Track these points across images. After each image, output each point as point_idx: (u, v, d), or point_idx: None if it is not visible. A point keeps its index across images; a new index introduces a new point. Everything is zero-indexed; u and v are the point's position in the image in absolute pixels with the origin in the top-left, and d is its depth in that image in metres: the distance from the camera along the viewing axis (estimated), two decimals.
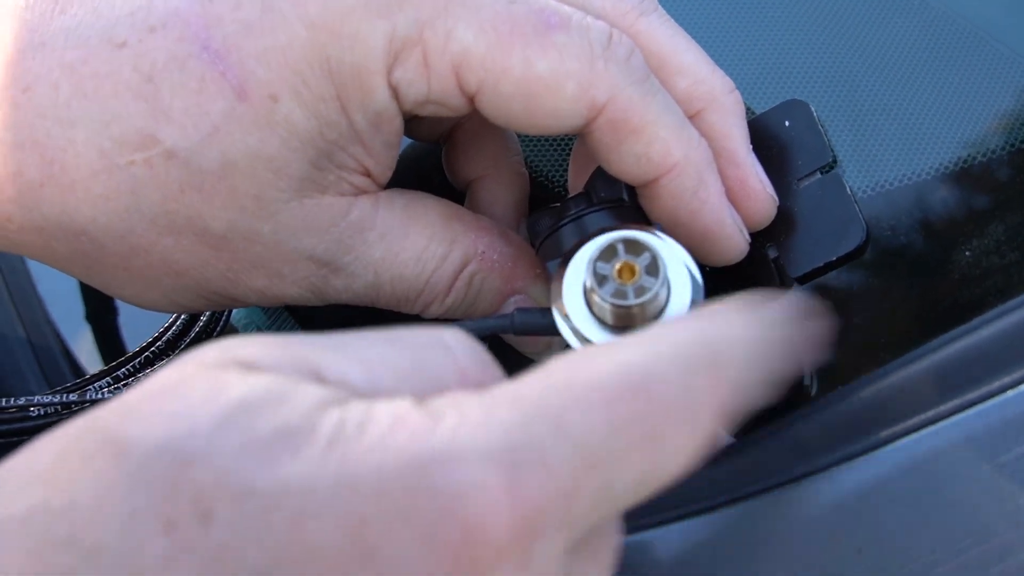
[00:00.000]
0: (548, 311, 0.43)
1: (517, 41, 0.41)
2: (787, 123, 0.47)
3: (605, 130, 0.42)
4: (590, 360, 0.33)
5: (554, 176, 0.55)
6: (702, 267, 0.44)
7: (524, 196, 0.52)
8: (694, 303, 0.42)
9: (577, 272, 0.43)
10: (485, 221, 0.48)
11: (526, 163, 0.53)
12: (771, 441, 0.43)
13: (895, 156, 0.53)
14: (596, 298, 0.41)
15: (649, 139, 0.42)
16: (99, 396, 0.49)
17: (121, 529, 0.28)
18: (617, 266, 0.41)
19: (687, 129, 0.43)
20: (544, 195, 0.55)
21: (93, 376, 0.51)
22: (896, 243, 0.51)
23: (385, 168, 0.45)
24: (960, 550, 0.40)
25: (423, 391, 0.32)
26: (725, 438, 0.38)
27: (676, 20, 0.46)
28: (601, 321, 0.42)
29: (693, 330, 0.34)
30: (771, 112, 0.48)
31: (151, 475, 0.29)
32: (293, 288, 0.46)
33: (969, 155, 0.52)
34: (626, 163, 0.43)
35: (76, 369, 0.62)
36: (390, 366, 0.33)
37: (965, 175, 0.52)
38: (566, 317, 0.43)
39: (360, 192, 0.45)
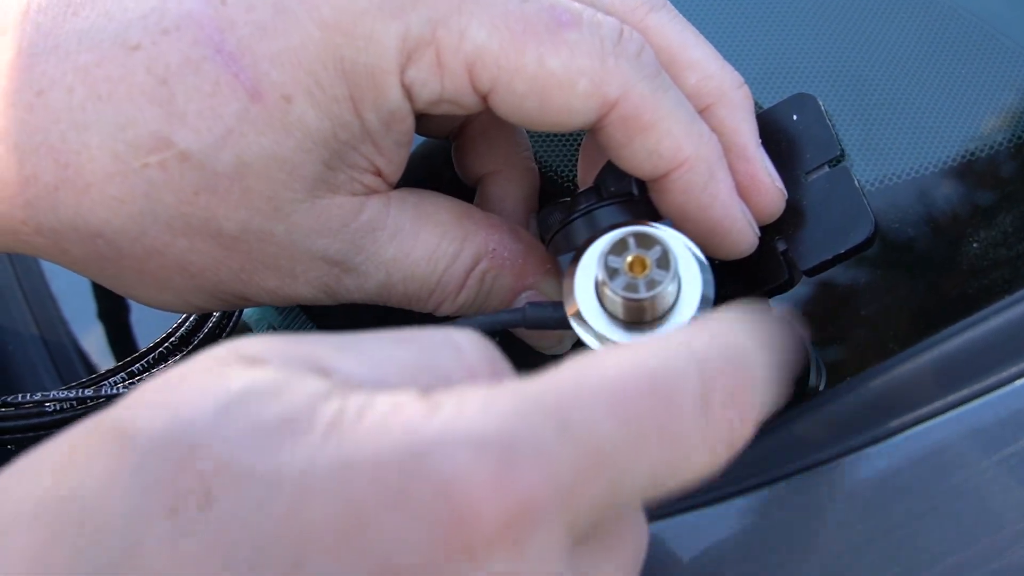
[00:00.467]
0: (560, 305, 0.44)
1: (530, 39, 0.41)
2: (795, 117, 0.48)
3: (617, 126, 0.43)
4: (601, 360, 0.33)
5: (563, 171, 0.56)
6: (712, 260, 0.44)
7: (534, 191, 0.52)
8: (704, 297, 0.43)
9: (588, 266, 0.43)
10: (495, 219, 0.48)
11: (535, 158, 0.53)
12: (781, 432, 0.43)
13: (903, 149, 0.53)
14: (608, 291, 0.41)
15: (660, 134, 0.43)
16: (113, 391, 0.49)
17: (126, 513, 0.29)
18: (628, 259, 0.41)
19: (697, 124, 0.44)
20: (553, 190, 0.55)
21: (107, 372, 0.52)
22: (904, 236, 0.52)
23: (396, 167, 0.46)
24: (969, 540, 0.40)
25: (430, 388, 0.33)
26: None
27: (685, 17, 0.47)
28: (612, 315, 0.43)
29: (707, 334, 0.34)
30: (779, 106, 0.48)
31: (154, 462, 0.30)
32: (306, 288, 0.46)
33: (976, 148, 0.52)
34: (637, 158, 0.43)
35: (88, 367, 0.62)
36: (397, 364, 0.34)
37: (972, 168, 0.52)
38: (577, 311, 0.43)
39: (371, 192, 0.45)
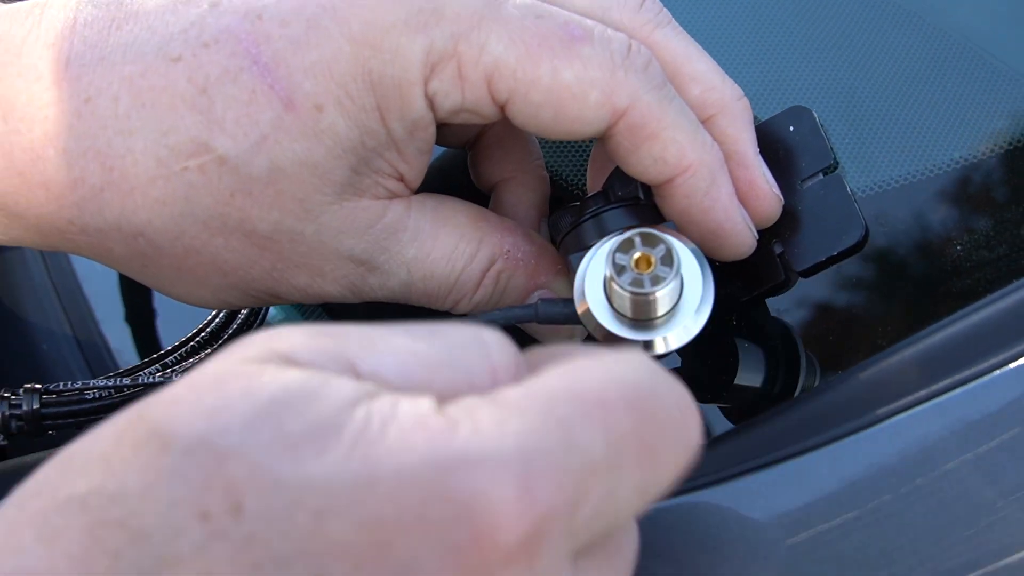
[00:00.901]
0: (570, 302, 0.46)
1: (545, 53, 0.44)
2: (791, 128, 0.50)
3: (625, 134, 0.45)
4: (587, 372, 0.34)
5: (572, 178, 0.58)
6: (712, 262, 0.47)
7: (545, 198, 0.55)
8: (705, 295, 0.45)
9: (598, 265, 0.46)
10: (509, 222, 0.51)
11: (546, 166, 0.55)
12: (777, 420, 0.45)
13: (892, 159, 0.55)
14: (615, 287, 0.44)
15: (665, 142, 0.45)
16: (150, 380, 0.52)
17: (162, 517, 0.31)
18: (635, 257, 0.44)
19: (700, 133, 0.46)
20: (563, 197, 0.57)
21: (144, 363, 0.54)
22: (893, 239, 0.54)
23: (417, 173, 0.48)
24: (957, 524, 0.42)
25: (453, 385, 0.34)
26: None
27: (689, 33, 0.49)
28: (620, 312, 0.45)
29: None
30: (777, 118, 0.51)
31: (190, 468, 0.31)
32: (333, 286, 0.49)
33: (961, 157, 0.54)
34: (644, 164, 0.46)
35: (117, 365, 0.65)
36: (423, 360, 0.35)
37: (957, 175, 0.55)
38: (587, 308, 0.46)
39: (394, 196, 0.48)
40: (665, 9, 0.49)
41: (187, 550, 0.30)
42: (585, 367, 0.34)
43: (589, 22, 0.45)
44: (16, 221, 0.48)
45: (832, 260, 0.48)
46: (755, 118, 0.50)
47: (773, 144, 0.50)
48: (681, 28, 0.49)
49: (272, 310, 0.61)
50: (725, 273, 0.48)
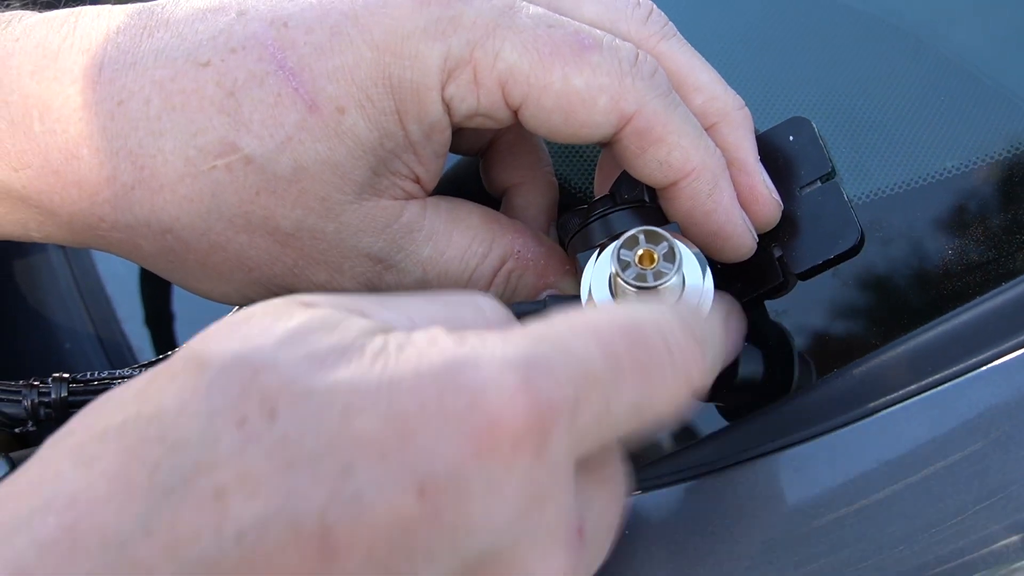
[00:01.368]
0: (577, 298, 0.48)
1: (557, 60, 0.46)
2: (791, 137, 0.52)
3: (632, 138, 0.47)
4: (583, 311, 0.39)
5: (579, 185, 0.60)
6: (713, 263, 0.49)
7: (554, 202, 0.56)
8: (706, 294, 0.47)
9: (604, 264, 0.47)
10: (520, 224, 0.53)
11: (555, 173, 0.57)
12: (773, 414, 0.47)
13: (887, 168, 0.57)
14: (620, 282, 0.45)
15: (671, 146, 0.47)
16: None
17: (201, 426, 0.34)
18: (639, 253, 0.45)
19: (704, 138, 0.48)
20: (570, 202, 0.59)
21: (168, 354, 0.56)
22: (887, 243, 0.56)
23: (433, 176, 0.50)
24: (948, 512, 0.44)
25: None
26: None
27: (693, 45, 0.51)
28: None
29: (662, 305, 0.41)
30: (777, 128, 0.52)
31: (226, 382, 0.34)
32: (351, 283, 0.51)
33: (952, 166, 0.56)
34: (649, 167, 0.48)
35: (137, 362, 0.67)
36: (427, 316, 0.39)
37: (949, 184, 0.57)
38: (593, 304, 0.47)
39: (411, 197, 0.50)
40: (671, 23, 0.51)
41: (226, 452, 0.33)
42: (588, 311, 0.39)
43: (598, 32, 0.47)
44: (50, 218, 0.50)
45: (829, 263, 0.49)
46: (756, 129, 0.51)
47: (773, 152, 0.51)
48: (685, 41, 0.51)
49: None
50: (726, 275, 0.50)
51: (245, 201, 0.48)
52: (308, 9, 0.47)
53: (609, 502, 0.40)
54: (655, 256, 0.45)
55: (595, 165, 0.56)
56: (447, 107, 0.47)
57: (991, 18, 0.61)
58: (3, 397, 0.51)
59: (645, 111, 0.47)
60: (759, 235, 0.50)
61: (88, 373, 0.53)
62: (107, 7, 0.50)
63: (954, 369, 0.45)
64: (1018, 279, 0.48)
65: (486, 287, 0.51)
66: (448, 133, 0.49)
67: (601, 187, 0.54)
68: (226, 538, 0.32)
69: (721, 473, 0.46)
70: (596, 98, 0.46)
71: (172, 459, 0.33)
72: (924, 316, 0.49)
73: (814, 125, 0.52)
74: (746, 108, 0.51)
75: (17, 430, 0.52)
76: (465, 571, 0.34)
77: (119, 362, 0.66)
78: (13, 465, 0.49)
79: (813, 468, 0.45)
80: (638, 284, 0.45)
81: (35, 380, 0.52)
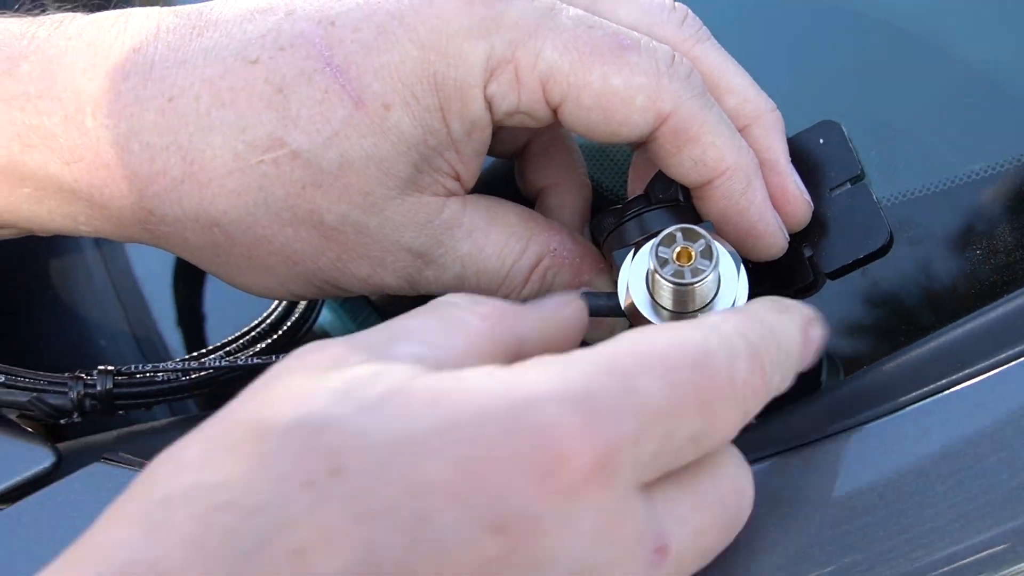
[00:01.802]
0: (613, 295, 0.49)
1: (596, 60, 0.47)
2: (821, 140, 0.53)
3: (668, 137, 0.48)
4: (653, 336, 0.39)
5: (612, 187, 0.61)
6: (746, 263, 0.50)
7: (588, 203, 0.57)
8: (739, 292, 0.48)
9: (641, 261, 0.49)
10: (556, 223, 0.54)
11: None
12: (808, 407, 0.48)
13: (916, 171, 0.58)
14: (658, 278, 0.46)
15: (705, 146, 0.48)
16: (215, 363, 0.55)
17: (271, 491, 0.34)
18: (676, 250, 0.46)
19: (737, 138, 0.49)
20: (603, 205, 0.60)
21: (210, 350, 0.57)
22: (916, 244, 0.57)
23: (472, 174, 0.51)
24: (971, 498, 0.45)
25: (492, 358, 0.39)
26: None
27: (727, 49, 0.52)
28: (661, 305, 0.48)
29: (737, 322, 0.41)
30: (808, 131, 0.53)
31: (289, 446, 0.35)
32: (392, 277, 0.52)
33: (979, 169, 0.57)
34: (684, 167, 0.49)
35: (170, 357, 0.68)
36: (443, 339, 0.40)
37: (976, 185, 0.58)
38: (630, 300, 0.48)
39: (451, 194, 0.51)
40: (705, 27, 0.52)
41: (298, 514, 0.34)
42: (652, 331, 0.39)
43: (636, 34, 0.49)
44: (99, 212, 0.51)
45: (858, 263, 0.50)
46: (787, 131, 0.52)
47: (804, 155, 0.52)
48: (719, 45, 0.52)
49: (324, 320, 0.63)
50: (758, 274, 0.51)
51: (291, 195, 0.49)
52: (355, 8, 0.48)
53: (704, 514, 0.40)
54: (692, 253, 0.46)
55: (626, 169, 0.57)
56: (489, 105, 0.48)
57: (1017, 25, 0.62)
58: (50, 389, 0.53)
59: (681, 111, 0.48)
60: (790, 235, 0.51)
61: (132, 366, 0.54)
62: (156, 8, 0.51)
63: (985, 363, 0.46)
64: None
65: (522, 284, 0.52)
66: (489, 131, 0.50)
67: (635, 188, 0.55)
68: None
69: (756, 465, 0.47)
70: (634, 97, 0.47)
71: (246, 523, 0.34)
72: (953, 314, 0.50)
73: (844, 128, 0.53)
74: (777, 111, 0.52)
75: (63, 421, 0.54)
76: None
77: (153, 359, 0.67)
78: (60, 456, 0.49)
79: (846, 463, 0.46)
80: (676, 281, 0.46)
81: (81, 372, 0.54)
